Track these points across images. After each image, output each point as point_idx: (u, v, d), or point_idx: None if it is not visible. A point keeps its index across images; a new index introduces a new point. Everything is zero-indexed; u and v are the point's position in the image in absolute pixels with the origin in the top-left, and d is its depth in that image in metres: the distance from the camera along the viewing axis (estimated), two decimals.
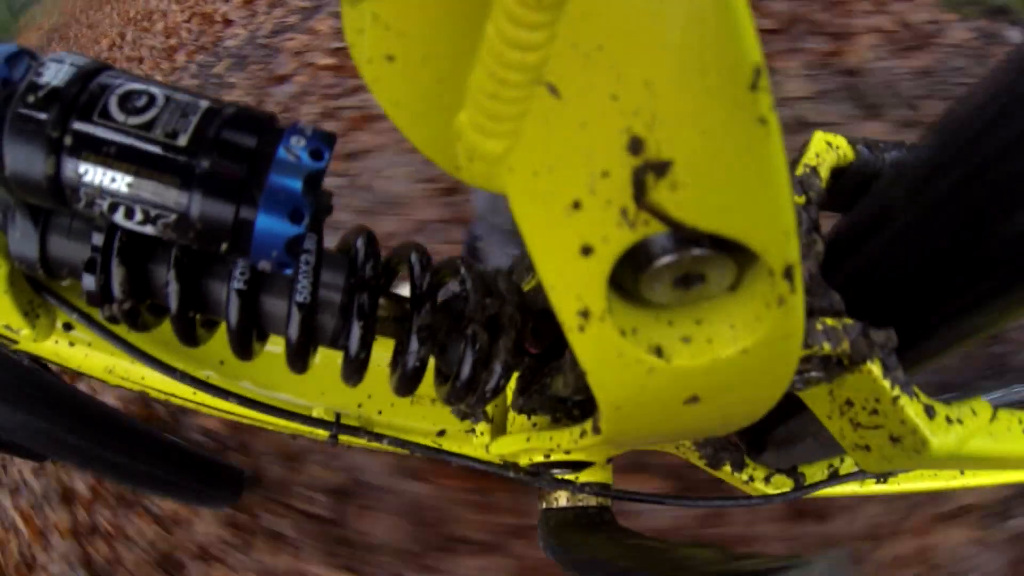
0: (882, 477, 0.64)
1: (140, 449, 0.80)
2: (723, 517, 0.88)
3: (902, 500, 0.86)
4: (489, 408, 0.56)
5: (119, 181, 0.29)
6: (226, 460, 1.06)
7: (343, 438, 0.55)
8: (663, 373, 0.28)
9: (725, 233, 0.23)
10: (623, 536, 0.48)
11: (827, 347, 0.36)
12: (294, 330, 0.37)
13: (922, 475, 0.68)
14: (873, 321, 0.37)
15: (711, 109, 0.20)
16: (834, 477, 0.56)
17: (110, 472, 0.77)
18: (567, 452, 0.53)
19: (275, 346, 0.44)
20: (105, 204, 0.30)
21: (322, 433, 0.55)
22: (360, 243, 0.39)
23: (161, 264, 0.36)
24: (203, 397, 0.54)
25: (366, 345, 0.39)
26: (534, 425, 0.52)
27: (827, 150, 0.48)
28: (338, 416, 0.55)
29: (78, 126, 0.29)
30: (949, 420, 0.40)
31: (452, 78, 0.22)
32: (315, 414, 0.55)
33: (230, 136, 0.30)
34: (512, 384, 0.48)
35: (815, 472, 0.57)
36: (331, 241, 0.39)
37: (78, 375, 0.54)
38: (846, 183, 0.49)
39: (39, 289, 0.46)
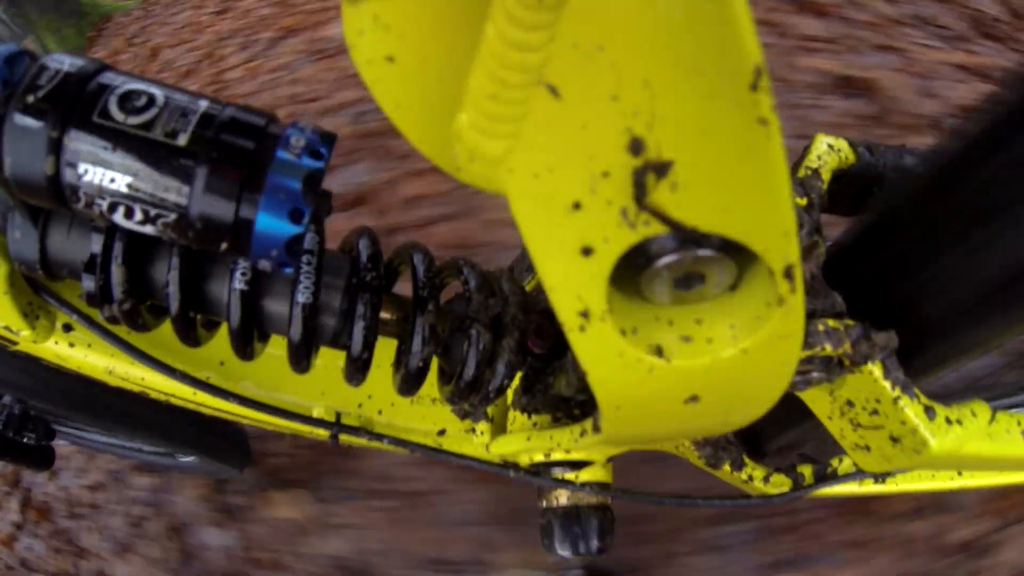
0: (880, 477, 0.64)
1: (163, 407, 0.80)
2: None
3: None
4: (489, 407, 0.56)
5: (119, 181, 0.29)
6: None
7: (344, 438, 0.55)
8: (663, 372, 0.28)
9: (725, 233, 0.23)
10: None
11: (829, 348, 0.36)
12: (296, 330, 0.37)
13: (920, 476, 0.68)
14: (874, 323, 0.37)
15: (711, 110, 0.20)
16: (833, 477, 0.56)
17: (134, 429, 0.77)
18: (567, 451, 0.53)
19: (275, 347, 0.44)
20: (105, 204, 0.30)
21: (323, 433, 0.55)
22: (362, 243, 0.39)
23: (161, 264, 0.36)
24: (203, 397, 0.53)
25: (369, 345, 0.38)
26: (535, 424, 0.52)
27: (829, 152, 0.48)
28: (338, 416, 0.55)
29: (78, 126, 0.29)
30: (949, 421, 0.40)
31: (452, 79, 0.22)
32: (315, 414, 0.55)
33: (229, 136, 0.30)
34: (512, 383, 0.48)
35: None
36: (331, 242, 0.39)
37: None
38: (847, 186, 0.49)
39: (39, 290, 0.46)
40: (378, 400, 0.57)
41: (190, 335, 0.38)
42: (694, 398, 0.31)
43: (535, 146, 0.22)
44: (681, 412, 0.32)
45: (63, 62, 0.30)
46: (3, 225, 0.36)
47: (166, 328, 0.39)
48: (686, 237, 0.24)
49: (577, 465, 0.55)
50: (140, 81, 0.31)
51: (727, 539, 0.94)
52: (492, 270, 0.43)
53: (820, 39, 1.44)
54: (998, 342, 0.38)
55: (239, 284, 0.35)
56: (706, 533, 0.95)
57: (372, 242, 0.40)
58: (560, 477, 0.55)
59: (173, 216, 0.30)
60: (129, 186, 0.29)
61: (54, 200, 0.30)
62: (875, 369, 0.37)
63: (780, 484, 0.56)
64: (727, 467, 0.55)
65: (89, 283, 0.35)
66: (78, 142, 0.29)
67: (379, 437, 0.54)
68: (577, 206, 0.22)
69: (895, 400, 0.38)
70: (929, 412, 0.39)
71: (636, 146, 0.21)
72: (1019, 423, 0.45)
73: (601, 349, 0.28)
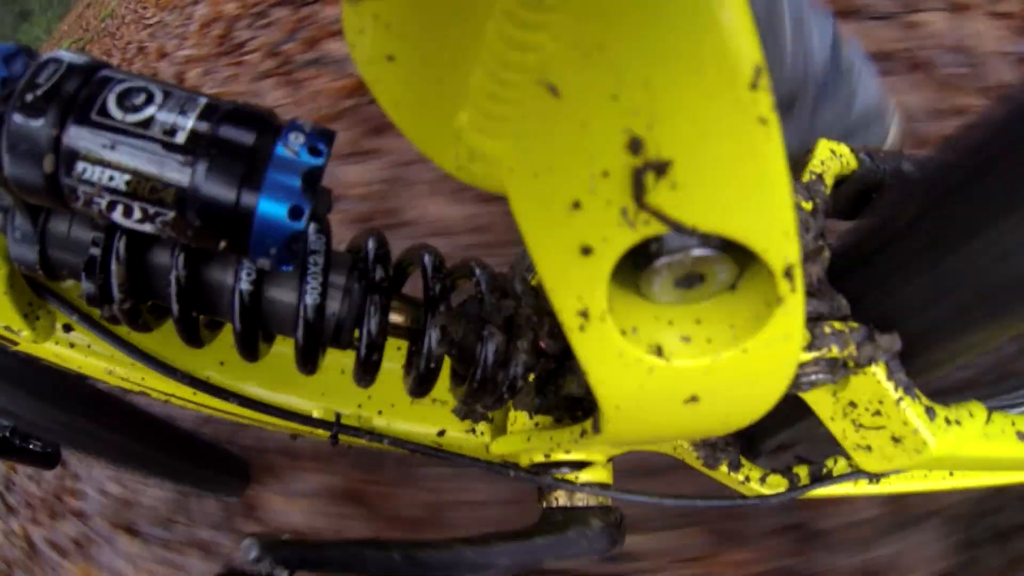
0: (875, 478, 0.64)
1: (152, 435, 0.80)
2: None
3: None
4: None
5: (117, 179, 0.29)
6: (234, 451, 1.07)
7: (343, 438, 0.55)
8: (663, 372, 0.28)
9: (725, 233, 0.23)
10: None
11: (835, 350, 0.36)
12: (303, 332, 0.36)
13: (913, 476, 0.68)
14: (877, 325, 0.37)
15: (711, 109, 0.20)
16: (828, 477, 0.56)
17: (123, 459, 0.78)
18: (567, 452, 0.53)
19: (275, 347, 0.44)
20: (104, 202, 0.30)
21: (322, 433, 0.55)
22: (371, 244, 0.39)
23: (162, 264, 0.36)
24: (203, 398, 0.53)
25: (378, 346, 0.38)
26: (536, 425, 0.52)
27: (831, 158, 0.48)
28: (338, 416, 0.55)
29: (77, 124, 0.29)
30: (948, 422, 0.40)
31: (452, 78, 0.22)
32: (315, 415, 0.55)
33: (228, 133, 0.30)
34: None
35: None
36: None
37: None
38: (848, 191, 0.49)
39: (39, 290, 0.46)
40: (378, 401, 0.57)
41: (193, 335, 0.38)
42: (694, 398, 0.31)
43: (535, 145, 0.22)
44: (681, 412, 0.32)
45: (62, 60, 0.30)
46: (3, 226, 0.36)
47: (166, 328, 0.39)
48: (686, 237, 0.24)
49: (577, 466, 0.55)
50: (139, 79, 0.31)
51: None
52: (504, 271, 0.43)
53: None
54: (1000, 339, 0.38)
55: (244, 284, 0.35)
56: None
57: (381, 243, 0.40)
58: (560, 478, 0.55)
59: (171, 214, 0.30)
60: (128, 184, 0.29)
61: (53, 199, 0.30)
62: (878, 371, 0.37)
63: (777, 485, 0.56)
64: (724, 468, 0.55)
65: (89, 283, 0.35)
66: (77, 140, 0.29)
67: (379, 438, 0.54)
68: (577, 205, 0.22)
69: (898, 401, 0.38)
70: (930, 413, 0.39)
71: (636, 145, 0.21)
72: (1013, 423, 0.45)
73: (601, 349, 0.27)
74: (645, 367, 0.28)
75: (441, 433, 0.57)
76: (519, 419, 0.53)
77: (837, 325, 0.37)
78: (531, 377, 0.46)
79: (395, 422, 0.57)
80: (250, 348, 0.38)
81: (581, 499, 0.55)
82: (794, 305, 0.26)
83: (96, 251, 0.34)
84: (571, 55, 0.19)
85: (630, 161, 0.21)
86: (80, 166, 0.29)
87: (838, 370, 0.38)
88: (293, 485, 1.06)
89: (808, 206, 0.44)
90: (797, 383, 0.38)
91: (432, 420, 0.57)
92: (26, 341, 0.48)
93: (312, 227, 0.37)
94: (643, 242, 0.24)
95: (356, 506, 1.01)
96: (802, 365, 0.37)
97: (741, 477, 0.55)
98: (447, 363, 0.46)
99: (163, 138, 0.29)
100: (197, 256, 0.35)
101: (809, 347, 0.36)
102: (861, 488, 0.64)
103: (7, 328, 0.47)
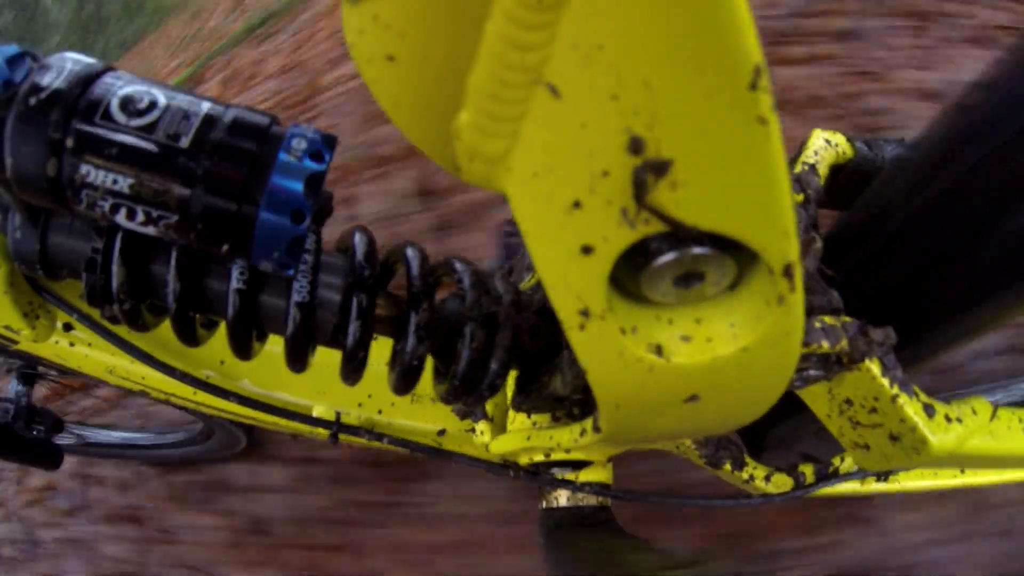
0: (883, 476, 0.65)
1: None
2: None
3: None
4: (489, 407, 0.56)
5: (121, 183, 0.29)
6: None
7: (343, 437, 0.55)
8: (663, 371, 0.28)
9: (725, 232, 0.23)
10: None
11: (825, 345, 0.36)
12: (292, 329, 0.37)
13: (922, 474, 0.68)
14: (872, 319, 0.37)
15: (711, 109, 0.20)
16: (834, 476, 0.56)
17: None
18: (567, 451, 0.53)
19: (275, 346, 0.44)
20: (107, 205, 0.30)
21: (322, 432, 0.55)
22: (358, 242, 0.39)
23: (161, 264, 0.36)
24: (204, 397, 0.54)
25: (364, 344, 0.39)
26: (534, 424, 0.52)
27: (825, 147, 0.48)
28: (338, 415, 0.55)
29: (80, 128, 0.29)
30: (948, 419, 0.40)
31: (452, 78, 0.22)
32: (315, 413, 0.55)
33: (232, 138, 0.30)
34: (506, 382, 0.48)
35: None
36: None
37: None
38: (845, 180, 0.49)
39: (39, 290, 0.46)
40: (378, 399, 0.57)
41: (189, 334, 0.39)
42: (694, 397, 0.31)
43: (535, 145, 0.22)
44: (681, 411, 0.32)
45: (65, 63, 0.30)
46: (3, 225, 0.36)
47: (166, 327, 0.39)
48: (686, 236, 0.24)
49: (577, 465, 0.55)
50: (142, 83, 0.31)
51: None
52: (487, 269, 0.43)
53: None
54: (994, 326, 0.38)
55: (237, 283, 0.35)
56: None
57: (368, 240, 0.40)
58: (560, 477, 0.55)
59: (175, 218, 0.30)
60: (131, 188, 0.29)
61: (56, 201, 0.30)
62: (873, 366, 0.37)
63: (781, 484, 0.56)
64: (728, 466, 0.55)
65: (89, 283, 0.35)
66: (80, 144, 0.29)
67: (379, 436, 0.54)
68: (577, 205, 0.23)
69: (893, 398, 0.38)
70: (928, 410, 0.39)
71: (636, 145, 0.21)
72: (1020, 420, 0.45)
73: (601, 348, 0.28)
74: (645, 366, 0.28)
75: (441, 432, 0.57)
76: (519, 418, 0.53)
77: (828, 319, 0.36)
78: (513, 375, 0.46)
79: (395, 421, 0.57)
80: (243, 346, 0.38)
81: (581, 499, 0.55)
82: (794, 304, 0.26)
83: (96, 251, 0.34)
84: (571, 55, 0.20)
85: (630, 161, 0.21)
86: (83, 169, 0.29)
87: (831, 366, 0.38)
88: None
89: (799, 198, 0.44)
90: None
91: (432, 419, 0.58)
92: (26, 340, 0.48)
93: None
94: (643, 241, 0.24)
95: None
96: None
97: (745, 476, 0.55)
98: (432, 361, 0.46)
99: (167, 142, 0.29)
100: (193, 256, 0.35)
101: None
102: (868, 486, 0.64)
103: (7, 327, 0.47)
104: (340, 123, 1.35)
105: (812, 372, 0.38)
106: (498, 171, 0.23)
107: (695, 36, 0.19)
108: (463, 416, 0.53)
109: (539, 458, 0.54)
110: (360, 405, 0.57)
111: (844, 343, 0.36)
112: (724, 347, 0.28)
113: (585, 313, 0.26)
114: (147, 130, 0.29)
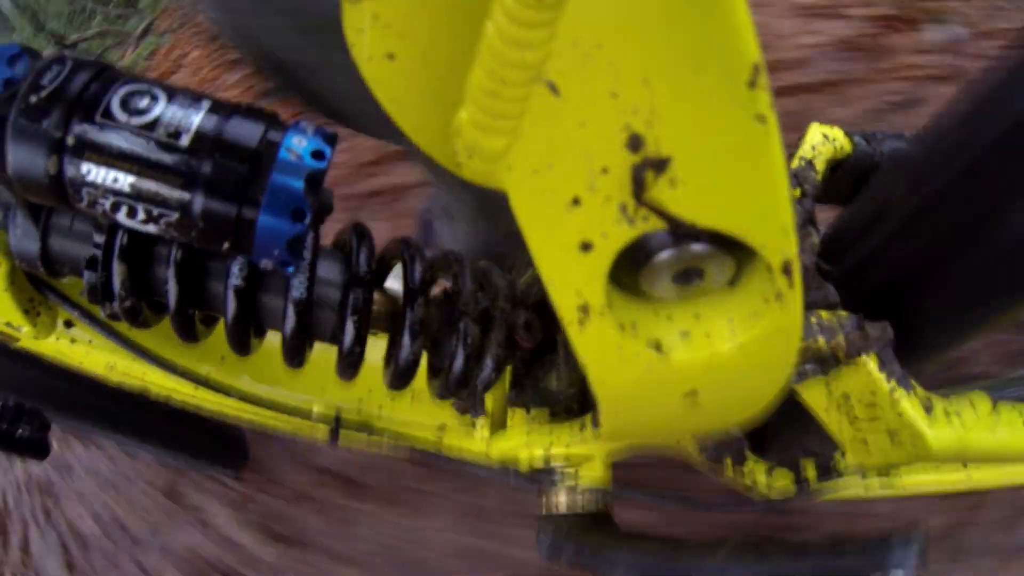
0: (884, 473, 0.64)
1: (151, 409, 0.79)
2: None
3: None
4: (489, 403, 0.56)
5: (122, 181, 0.29)
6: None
7: (344, 435, 0.55)
8: (662, 367, 0.29)
9: (724, 229, 0.23)
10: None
11: (821, 341, 0.36)
12: (290, 326, 0.37)
13: (926, 471, 0.67)
14: (869, 314, 0.37)
15: (710, 107, 0.20)
16: (835, 472, 0.56)
17: (122, 431, 0.77)
18: (567, 447, 0.53)
19: (274, 343, 0.44)
20: (108, 203, 0.30)
21: (322, 429, 0.55)
22: (355, 239, 0.40)
23: (162, 262, 0.36)
24: (204, 394, 0.54)
25: (360, 340, 0.39)
26: (533, 419, 0.52)
27: (823, 143, 0.48)
28: (338, 413, 0.55)
29: (81, 126, 0.29)
30: (947, 414, 0.40)
31: (452, 76, 0.22)
32: (315, 410, 0.55)
33: (232, 136, 0.30)
34: (501, 378, 0.48)
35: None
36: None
37: None
38: (844, 175, 0.49)
39: (40, 287, 0.46)
40: (378, 396, 0.57)
41: (189, 331, 0.39)
42: (692, 393, 0.31)
43: (534, 143, 0.22)
44: (680, 407, 0.32)
45: (65, 62, 0.30)
46: (4, 222, 0.36)
47: (166, 324, 0.39)
48: (685, 233, 0.24)
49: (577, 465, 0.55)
50: (143, 82, 0.31)
51: None
52: (483, 264, 0.43)
53: None
54: (994, 325, 0.38)
55: (235, 280, 0.35)
56: None
57: (365, 237, 0.40)
58: (560, 478, 0.55)
59: (176, 216, 0.30)
60: (132, 186, 0.29)
61: (57, 199, 0.31)
62: (870, 361, 0.37)
63: (783, 480, 0.56)
64: (729, 461, 0.55)
65: (91, 280, 0.35)
66: (81, 142, 0.29)
67: (379, 434, 0.54)
68: (576, 202, 0.23)
69: (891, 393, 0.38)
70: (926, 405, 0.39)
71: (635, 143, 0.21)
72: (1021, 414, 0.44)
73: (600, 344, 0.28)
74: (644, 362, 0.28)
75: (441, 428, 0.57)
76: (519, 414, 0.53)
77: (825, 315, 0.37)
78: (508, 371, 0.46)
79: (395, 417, 0.57)
80: (241, 342, 0.38)
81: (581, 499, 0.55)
82: (792, 301, 0.26)
83: (98, 249, 0.35)
84: (570, 53, 0.20)
85: (629, 158, 0.21)
86: (84, 168, 0.29)
87: (827, 361, 0.38)
88: None
89: (796, 193, 0.44)
90: None
91: (432, 415, 0.58)
92: (27, 337, 0.48)
93: None
94: (642, 238, 0.24)
95: None
96: None
97: (746, 471, 0.55)
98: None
99: (167, 141, 0.29)
100: (193, 253, 0.35)
101: None
102: (872, 491, 0.64)
103: (8, 324, 0.47)
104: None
105: (808, 367, 0.38)
106: (498, 168, 0.23)
107: (694, 34, 0.19)
108: (463, 412, 0.53)
109: (539, 453, 0.54)
110: (360, 401, 0.57)
111: (840, 339, 0.36)
112: (723, 343, 0.28)
113: (584, 309, 0.26)
114: (148, 128, 0.29)
